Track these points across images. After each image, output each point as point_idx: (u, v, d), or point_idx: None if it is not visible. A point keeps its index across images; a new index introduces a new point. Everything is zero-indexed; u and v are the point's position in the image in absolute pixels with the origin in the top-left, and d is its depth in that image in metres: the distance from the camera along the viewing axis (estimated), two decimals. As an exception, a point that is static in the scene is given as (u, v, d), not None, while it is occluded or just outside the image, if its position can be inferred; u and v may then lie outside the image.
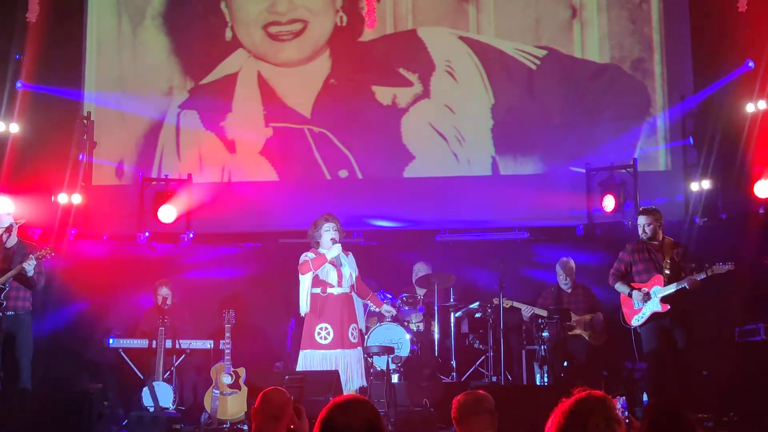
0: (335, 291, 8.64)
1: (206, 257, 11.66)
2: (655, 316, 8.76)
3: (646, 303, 8.78)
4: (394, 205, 11.67)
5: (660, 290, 8.72)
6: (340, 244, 8.67)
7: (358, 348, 8.70)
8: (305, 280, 8.64)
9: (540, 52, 11.74)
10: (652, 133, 11.43)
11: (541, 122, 11.63)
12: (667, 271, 8.77)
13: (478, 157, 11.73)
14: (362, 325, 9.04)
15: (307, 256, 8.70)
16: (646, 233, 8.94)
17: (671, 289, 8.67)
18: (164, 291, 10.67)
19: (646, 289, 8.82)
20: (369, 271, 9.59)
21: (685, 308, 8.77)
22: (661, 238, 8.99)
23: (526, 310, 10.28)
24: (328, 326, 8.56)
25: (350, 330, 8.61)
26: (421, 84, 11.81)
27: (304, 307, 8.63)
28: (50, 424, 8.33)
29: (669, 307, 8.68)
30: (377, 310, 9.57)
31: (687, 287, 8.60)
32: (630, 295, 8.90)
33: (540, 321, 10.04)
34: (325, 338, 8.53)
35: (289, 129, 11.97)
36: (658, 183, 11.22)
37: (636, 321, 8.88)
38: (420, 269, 11.04)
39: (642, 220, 9.00)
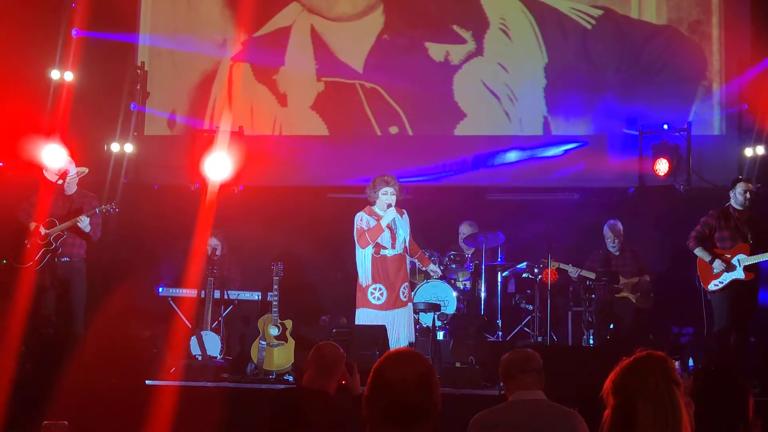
0: (389, 253, 8.66)
1: (255, 209, 11.69)
2: (734, 284, 8.82)
3: (728, 271, 8.82)
4: (444, 162, 11.64)
5: (746, 259, 8.78)
6: (393, 209, 8.64)
7: (409, 305, 8.73)
8: (366, 253, 8.66)
9: (596, 12, 11.59)
10: (708, 97, 11.28)
11: (594, 83, 11.52)
12: (752, 241, 8.86)
13: (529, 116, 11.65)
14: None
15: (362, 219, 8.68)
16: (747, 200, 8.95)
17: (762, 257, 8.74)
18: (214, 242, 10.70)
19: (729, 256, 8.86)
20: (416, 228, 9.59)
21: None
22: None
23: (573, 271, 10.25)
24: (382, 287, 8.60)
25: (401, 289, 8.64)
26: (475, 41, 11.71)
27: (367, 279, 8.66)
28: (101, 370, 8.48)
29: (753, 276, 8.79)
30: (424, 269, 9.59)
31: None
32: (711, 262, 8.90)
33: (588, 283, 10.02)
34: (378, 299, 8.56)
35: (341, 84, 11.94)
36: (711, 147, 11.08)
37: (713, 286, 8.92)
38: (465, 230, 11.01)
39: (747, 186, 9.01)
